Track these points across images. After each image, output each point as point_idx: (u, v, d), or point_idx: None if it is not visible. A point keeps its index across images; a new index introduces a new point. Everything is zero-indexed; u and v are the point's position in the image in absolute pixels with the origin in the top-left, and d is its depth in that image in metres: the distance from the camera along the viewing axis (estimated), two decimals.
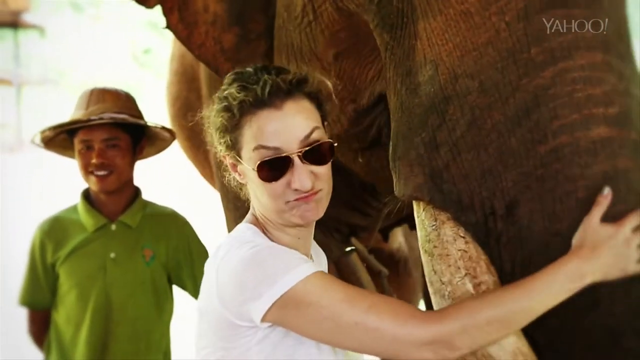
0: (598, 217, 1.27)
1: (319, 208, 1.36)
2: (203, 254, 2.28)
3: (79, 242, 2.24)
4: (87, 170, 2.20)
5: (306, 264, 1.30)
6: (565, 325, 1.29)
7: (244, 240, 1.35)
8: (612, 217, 1.28)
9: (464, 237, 1.38)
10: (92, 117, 2.18)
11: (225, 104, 1.35)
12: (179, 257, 2.31)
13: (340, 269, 2.36)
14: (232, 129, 1.35)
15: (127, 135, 2.25)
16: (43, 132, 2.28)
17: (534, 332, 1.31)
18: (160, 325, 2.32)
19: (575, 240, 1.28)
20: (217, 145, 1.40)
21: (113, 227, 2.26)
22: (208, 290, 1.35)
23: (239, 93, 1.32)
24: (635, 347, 1.28)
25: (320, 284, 1.27)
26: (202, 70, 2.60)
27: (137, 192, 2.34)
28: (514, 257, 1.35)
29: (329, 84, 1.44)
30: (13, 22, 28.41)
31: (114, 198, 2.28)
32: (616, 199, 1.29)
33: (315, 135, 1.34)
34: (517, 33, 1.36)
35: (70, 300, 2.23)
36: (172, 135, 2.37)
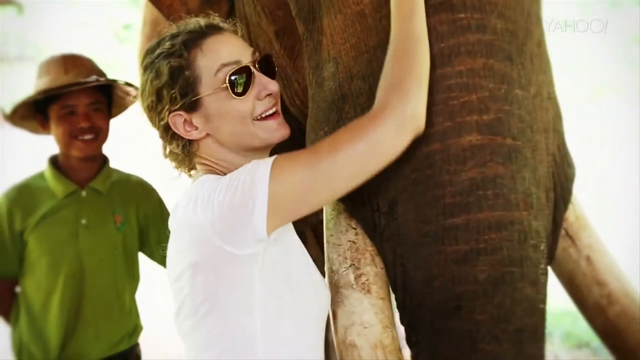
0: None
1: (286, 125, 1.41)
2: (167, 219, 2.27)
3: (49, 209, 2.19)
4: (71, 135, 2.16)
5: (263, 160, 1.31)
6: (433, 328, 1.34)
7: (213, 183, 1.33)
8: (478, 225, 1.31)
9: (355, 229, 1.45)
10: (84, 80, 2.15)
11: (167, 52, 1.36)
12: (148, 222, 2.29)
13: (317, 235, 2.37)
14: (185, 67, 1.35)
15: (104, 98, 2.24)
16: (24, 100, 2.22)
17: (410, 333, 1.39)
18: (130, 289, 2.30)
19: None
20: (162, 108, 1.37)
21: (83, 193, 2.22)
22: (199, 242, 1.32)
23: (175, 37, 1.37)
24: (493, 350, 1.31)
25: (285, 163, 1.29)
26: None
27: (105, 159, 2.30)
28: (394, 251, 1.39)
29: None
30: None
31: (87, 164, 2.24)
32: (484, 206, 1.31)
33: (258, 53, 1.41)
34: None
35: (40, 268, 2.19)
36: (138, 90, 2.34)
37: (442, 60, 1.34)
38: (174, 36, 1.38)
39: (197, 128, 1.38)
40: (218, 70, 1.35)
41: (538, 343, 1.37)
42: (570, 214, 1.50)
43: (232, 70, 1.34)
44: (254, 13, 1.89)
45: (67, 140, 2.18)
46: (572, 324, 5.17)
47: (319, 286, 1.41)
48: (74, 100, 2.16)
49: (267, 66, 1.41)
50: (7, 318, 2.30)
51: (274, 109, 1.39)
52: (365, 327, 1.37)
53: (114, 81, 2.24)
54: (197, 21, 1.40)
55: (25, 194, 2.22)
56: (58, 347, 2.19)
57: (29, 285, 2.23)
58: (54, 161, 2.26)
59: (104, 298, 2.23)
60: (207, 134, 1.39)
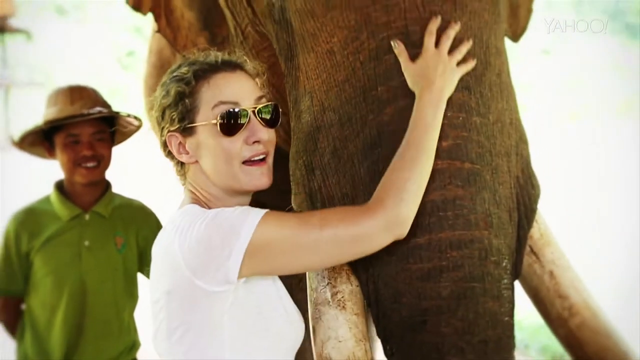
0: (432, 42, 1.38)
1: (270, 174, 1.40)
2: None
3: (54, 232, 2.24)
4: (75, 162, 2.20)
5: (255, 210, 1.31)
6: (404, 341, 1.37)
7: (196, 215, 1.33)
8: (439, 244, 1.36)
9: None
10: (87, 112, 2.19)
11: (178, 77, 1.38)
12: (147, 245, 2.28)
13: None
14: (188, 94, 1.36)
15: (107, 128, 2.27)
16: (31, 129, 2.26)
17: (385, 346, 1.42)
18: (129, 308, 2.34)
19: (411, 75, 1.38)
20: (163, 126, 1.40)
21: (87, 216, 2.27)
22: (172, 267, 1.32)
23: (190, 66, 1.38)
24: (451, 332, 1.34)
25: (274, 221, 1.30)
26: None
27: (107, 184, 2.35)
28: (366, 270, 1.42)
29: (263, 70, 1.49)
30: (0, 27, 28.15)
31: (90, 189, 2.29)
32: (445, 225, 1.35)
33: (264, 100, 1.40)
34: (369, 72, 1.42)
35: (45, 286, 2.23)
36: (140, 122, 2.37)
37: (404, 91, 1.39)
38: (191, 63, 1.40)
39: (188, 153, 1.39)
40: (215, 105, 1.35)
41: (503, 354, 1.40)
42: (534, 232, 1.53)
43: (226, 110, 1.35)
44: (245, 53, 1.92)
45: (71, 167, 2.22)
46: (548, 337, 5.14)
47: (292, 318, 1.42)
48: (78, 129, 2.21)
49: (270, 114, 1.40)
50: (13, 334, 2.34)
51: (261, 156, 1.39)
52: (339, 341, 1.39)
53: (117, 113, 2.29)
54: (218, 55, 1.41)
55: (32, 217, 2.27)
56: None
57: (34, 303, 2.26)
58: (59, 186, 2.31)
59: (104, 316, 2.26)
60: (197, 161, 1.40)
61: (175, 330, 1.34)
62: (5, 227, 2.27)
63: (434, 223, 1.36)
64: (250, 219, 1.27)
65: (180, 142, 1.39)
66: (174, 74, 1.40)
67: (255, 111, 1.37)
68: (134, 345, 2.36)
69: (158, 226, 2.34)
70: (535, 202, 1.50)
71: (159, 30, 2.20)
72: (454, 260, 1.35)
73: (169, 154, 1.43)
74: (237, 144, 1.36)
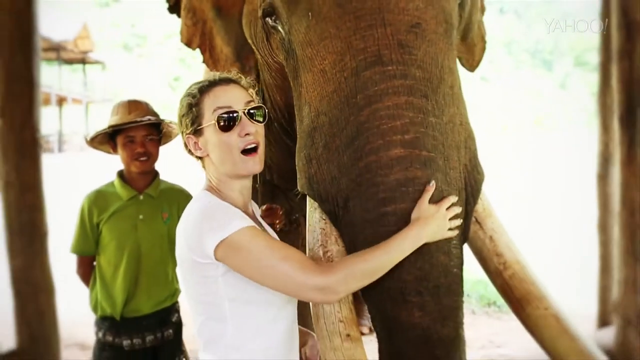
0: (427, 199, 1.33)
1: (260, 162, 1.39)
2: None
3: (117, 208, 2.23)
4: (131, 157, 2.21)
5: (244, 220, 1.29)
6: (377, 285, 1.34)
7: (200, 200, 1.35)
8: (402, 212, 1.35)
9: (324, 219, 1.45)
10: (142, 119, 2.19)
11: (189, 93, 1.39)
12: None
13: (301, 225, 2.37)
14: (194, 104, 1.36)
15: (156, 132, 2.26)
16: (100, 130, 2.26)
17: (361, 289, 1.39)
18: (173, 265, 2.31)
19: (413, 215, 1.33)
20: (182, 130, 1.40)
21: (141, 197, 2.26)
22: (179, 241, 1.34)
23: (197, 84, 1.40)
24: (417, 301, 1.35)
25: (251, 235, 1.27)
26: None
27: (156, 173, 2.34)
28: (349, 234, 1.42)
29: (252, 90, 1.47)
30: (82, 59, 28.10)
31: (143, 177, 2.27)
32: (407, 198, 1.35)
33: (253, 103, 1.39)
34: (350, 85, 1.41)
35: (110, 249, 2.22)
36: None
37: (376, 98, 1.38)
38: (198, 83, 1.40)
39: (201, 149, 1.39)
40: (214, 110, 1.35)
41: (453, 296, 1.39)
42: (479, 207, 1.51)
43: (221, 112, 1.35)
44: (270, 77, 1.95)
45: (128, 161, 2.22)
46: (484, 289, 5.18)
47: None
48: (134, 132, 2.20)
49: (258, 113, 1.39)
50: (87, 283, 2.34)
51: (253, 145, 1.37)
52: None
53: (162, 120, 2.28)
54: (217, 74, 1.41)
55: (101, 197, 2.26)
56: (122, 304, 2.22)
57: (102, 261, 2.25)
58: (120, 174, 2.30)
59: (154, 271, 2.26)
60: (208, 155, 1.39)
61: (188, 287, 1.36)
62: (81, 204, 2.26)
63: (398, 196, 1.35)
64: (235, 223, 1.26)
65: (194, 142, 1.39)
66: (187, 91, 1.40)
67: (245, 112, 1.36)
68: (175, 292, 2.35)
69: None
70: (480, 184, 1.49)
71: (204, 62, 2.23)
72: None
73: (189, 152, 1.43)
74: (232, 137, 1.34)
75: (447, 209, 1.35)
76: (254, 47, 1.90)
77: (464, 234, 1.44)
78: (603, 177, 4.16)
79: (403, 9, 1.40)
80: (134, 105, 2.26)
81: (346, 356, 1.36)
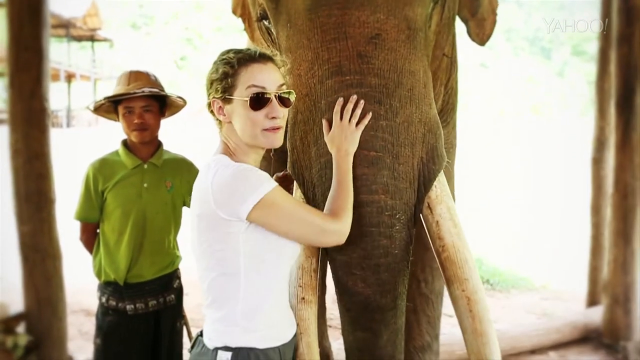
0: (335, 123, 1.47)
1: (280, 138, 1.42)
2: None
3: (122, 176, 2.21)
4: (130, 127, 2.19)
5: (271, 181, 1.34)
6: (332, 258, 1.56)
7: (226, 164, 1.36)
8: (355, 204, 1.45)
9: (303, 199, 1.60)
10: (136, 91, 2.16)
11: (226, 60, 1.39)
12: (191, 186, 2.26)
13: None
14: (230, 74, 1.37)
15: (156, 103, 2.23)
16: (98, 101, 2.24)
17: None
18: (174, 232, 2.31)
19: (328, 144, 1.49)
20: (211, 93, 1.41)
21: (145, 166, 2.24)
22: (203, 199, 1.34)
23: (236, 54, 1.39)
24: (360, 274, 1.51)
25: (281, 194, 1.35)
26: None
27: (160, 143, 2.32)
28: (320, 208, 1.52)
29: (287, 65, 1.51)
30: (90, 37, 27.87)
31: (146, 146, 2.25)
32: (355, 192, 1.46)
33: (284, 87, 1.42)
34: (318, 91, 1.53)
35: (115, 216, 2.20)
36: (184, 102, 2.33)
37: (334, 105, 1.49)
38: (237, 52, 1.39)
39: (224, 115, 1.41)
40: (249, 87, 1.36)
41: (392, 273, 1.52)
42: (432, 194, 1.59)
43: (255, 92, 1.36)
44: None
45: (127, 131, 2.22)
46: (478, 267, 5.19)
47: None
48: (132, 103, 2.18)
49: (287, 98, 1.42)
50: (90, 250, 2.33)
51: (276, 126, 1.39)
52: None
53: (160, 93, 2.23)
54: (257, 49, 1.41)
55: (105, 165, 2.24)
56: (125, 270, 2.21)
57: (107, 228, 2.24)
58: (125, 143, 2.28)
59: (157, 237, 2.25)
60: (230, 122, 1.41)
61: (203, 242, 1.37)
62: (85, 172, 2.24)
63: None
64: (267, 184, 1.31)
65: (220, 106, 1.40)
66: (223, 57, 1.40)
67: (276, 95, 1.38)
68: (176, 259, 2.34)
69: (196, 172, 2.31)
70: (434, 174, 1.57)
71: (244, 30, 2.31)
72: (360, 213, 1.47)
73: (212, 112, 1.44)
74: (259, 116, 1.37)
75: (355, 125, 1.46)
76: (263, 42, 1.95)
77: (414, 218, 1.55)
78: (597, 161, 4.15)
79: (364, 22, 1.49)
80: (135, 76, 2.23)
81: (297, 315, 1.50)
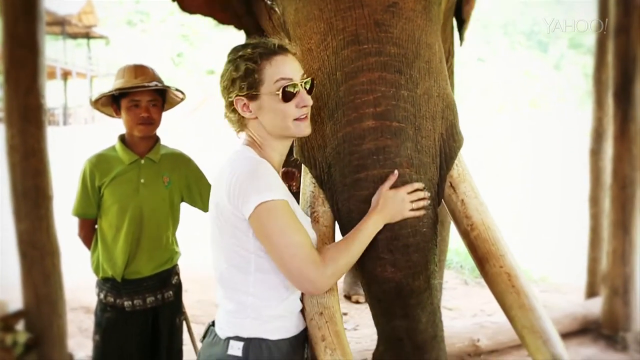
0: (388, 186, 1.42)
1: (309, 126, 1.43)
2: (205, 179, 2.30)
3: (119, 172, 2.19)
4: (135, 121, 2.17)
5: (283, 190, 1.34)
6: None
7: (247, 156, 1.37)
8: (374, 178, 1.42)
9: (314, 183, 1.55)
10: (146, 84, 2.14)
11: (246, 56, 1.37)
12: (189, 181, 2.28)
13: None
14: (255, 70, 1.36)
15: (160, 97, 2.22)
16: (105, 92, 2.22)
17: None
18: (173, 228, 2.30)
19: (374, 201, 1.43)
20: (233, 91, 1.39)
21: (142, 161, 2.22)
22: (220, 190, 1.34)
23: (255, 49, 1.37)
24: (389, 258, 1.45)
25: (282, 209, 1.30)
26: None
27: (157, 138, 2.30)
28: (332, 197, 1.51)
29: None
30: (86, 34, 27.77)
31: (145, 141, 2.23)
32: (377, 165, 1.42)
33: (305, 76, 1.42)
34: (332, 63, 1.48)
35: (112, 212, 2.19)
36: (184, 96, 2.32)
37: (352, 75, 1.46)
38: (254, 46, 1.38)
39: (250, 111, 1.40)
40: (277, 80, 1.36)
41: (422, 253, 1.47)
42: (454, 172, 1.56)
43: (286, 84, 1.36)
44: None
45: (132, 125, 2.18)
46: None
47: (307, 227, 1.42)
48: (139, 97, 2.16)
49: (310, 85, 1.42)
50: (88, 246, 2.31)
51: (305, 114, 1.40)
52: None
53: (167, 87, 2.23)
54: (274, 41, 1.39)
55: (102, 160, 2.22)
56: (123, 266, 2.20)
57: (104, 224, 2.23)
58: (122, 138, 2.26)
59: (155, 233, 2.23)
60: (256, 117, 1.40)
61: (216, 233, 1.38)
62: (82, 168, 2.22)
63: (370, 163, 1.43)
64: (277, 192, 1.30)
65: (245, 104, 1.39)
66: (241, 53, 1.38)
67: (302, 84, 1.39)
68: (175, 255, 2.33)
69: (196, 167, 2.33)
70: (455, 151, 1.54)
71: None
72: None
73: (233, 111, 1.42)
74: (290, 107, 1.37)
75: (410, 193, 1.43)
76: (260, 23, 1.92)
77: (438, 196, 1.51)
78: (595, 152, 4.14)
79: None
80: (140, 70, 2.20)
81: (319, 304, 1.42)
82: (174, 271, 2.33)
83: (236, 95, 1.38)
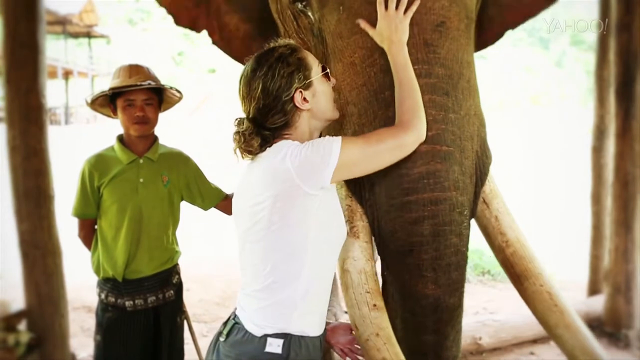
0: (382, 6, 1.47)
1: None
2: (204, 177, 2.30)
3: (118, 171, 2.19)
4: (130, 120, 2.16)
5: (336, 139, 1.35)
6: (396, 262, 1.49)
7: (296, 144, 1.36)
8: (423, 201, 1.43)
9: (351, 197, 1.54)
10: (140, 83, 2.14)
11: (294, 49, 1.42)
12: (188, 180, 2.28)
13: None
14: (304, 59, 1.41)
15: (156, 97, 2.22)
16: (99, 93, 2.21)
17: (383, 265, 1.53)
18: (172, 228, 2.29)
19: (376, 38, 1.47)
20: (292, 86, 1.38)
21: (141, 161, 2.22)
22: (281, 178, 1.32)
23: (287, 45, 1.43)
24: (432, 276, 1.45)
25: (349, 143, 1.35)
26: None
27: (156, 137, 2.29)
28: (373, 213, 1.51)
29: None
30: (87, 33, 27.78)
31: (142, 141, 2.23)
32: (427, 189, 1.43)
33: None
34: (380, 80, 1.47)
35: (112, 212, 2.18)
36: (181, 96, 2.31)
37: None
38: (285, 44, 1.42)
39: (307, 102, 1.40)
40: (318, 64, 1.42)
41: (460, 271, 1.49)
42: (486, 188, 1.58)
43: (322, 65, 1.44)
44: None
45: (127, 124, 2.18)
46: (479, 258, 5.20)
47: (343, 223, 1.47)
48: (134, 96, 2.15)
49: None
50: (89, 246, 2.31)
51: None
52: (354, 260, 1.49)
53: (162, 85, 2.22)
54: (285, 42, 1.44)
55: (101, 160, 2.22)
56: (123, 266, 2.20)
57: (104, 224, 2.22)
58: (120, 138, 2.26)
59: (155, 233, 2.23)
60: (309, 108, 1.41)
61: (275, 222, 1.34)
62: (81, 168, 2.22)
63: (420, 187, 1.43)
64: (335, 145, 1.32)
65: (303, 97, 1.40)
66: (282, 52, 1.40)
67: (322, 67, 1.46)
68: (176, 254, 2.32)
69: (195, 165, 2.32)
70: (488, 168, 1.56)
71: (213, 43, 2.16)
72: (432, 211, 1.43)
73: (283, 113, 1.39)
74: (330, 87, 1.45)
75: (403, 14, 1.44)
76: (278, 22, 1.88)
77: (472, 212, 1.51)
78: (597, 150, 4.13)
79: (430, 9, 1.45)
80: (135, 70, 2.20)
81: (373, 324, 1.42)
82: (174, 270, 2.32)
83: (295, 89, 1.38)
